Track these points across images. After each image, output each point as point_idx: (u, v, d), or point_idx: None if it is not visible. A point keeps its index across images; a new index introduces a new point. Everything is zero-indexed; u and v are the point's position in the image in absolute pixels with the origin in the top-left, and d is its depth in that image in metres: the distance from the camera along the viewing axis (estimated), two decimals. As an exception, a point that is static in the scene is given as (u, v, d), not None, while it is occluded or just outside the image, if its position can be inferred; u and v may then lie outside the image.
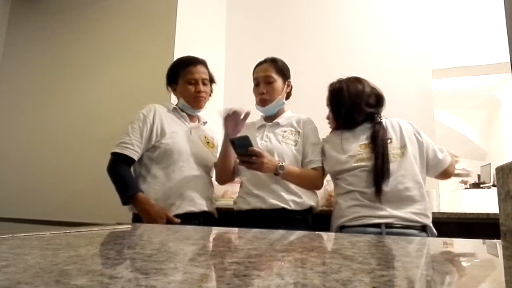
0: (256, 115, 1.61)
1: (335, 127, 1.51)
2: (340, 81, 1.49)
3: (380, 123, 1.43)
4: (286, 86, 1.56)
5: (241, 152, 1.32)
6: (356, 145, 1.40)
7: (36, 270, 0.32)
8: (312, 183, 1.46)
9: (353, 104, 1.42)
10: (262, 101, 1.52)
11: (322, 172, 1.47)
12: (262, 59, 1.61)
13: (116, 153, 1.43)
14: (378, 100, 1.46)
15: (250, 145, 1.30)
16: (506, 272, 0.40)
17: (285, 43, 2.84)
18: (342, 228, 1.33)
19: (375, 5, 2.73)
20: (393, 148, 1.37)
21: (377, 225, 1.24)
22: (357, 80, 1.48)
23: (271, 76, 1.51)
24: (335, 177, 1.45)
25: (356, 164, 1.36)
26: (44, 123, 2.60)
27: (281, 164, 1.36)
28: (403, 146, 1.38)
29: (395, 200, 1.29)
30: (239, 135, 1.39)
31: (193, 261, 0.39)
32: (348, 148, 1.41)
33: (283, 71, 1.55)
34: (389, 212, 1.26)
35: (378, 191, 1.29)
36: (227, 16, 3.04)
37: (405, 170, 1.33)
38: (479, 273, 0.40)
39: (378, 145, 1.35)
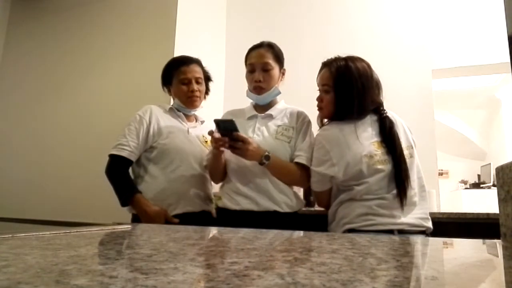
0: (241, 101, 1.54)
1: (334, 115, 1.32)
2: (343, 59, 1.30)
3: (388, 117, 1.29)
4: (281, 74, 1.48)
5: (225, 134, 1.26)
6: (369, 143, 1.24)
7: (36, 270, 0.32)
8: (296, 180, 1.37)
9: (364, 88, 1.25)
10: (258, 89, 1.42)
11: (308, 170, 1.34)
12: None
13: (114, 155, 1.43)
14: (380, 86, 1.32)
15: (236, 129, 1.25)
16: (506, 272, 0.40)
17: (285, 42, 2.82)
18: (350, 231, 1.22)
19: (376, 4, 2.73)
20: (403, 149, 1.26)
21: (390, 231, 1.19)
22: (360, 59, 1.32)
23: (269, 63, 1.41)
24: (349, 183, 1.25)
25: (376, 167, 1.21)
26: (43, 123, 2.59)
27: (267, 154, 1.28)
28: (410, 147, 1.30)
29: (406, 206, 1.22)
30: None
31: (193, 261, 0.39)
32: (363, 145, 1.23)
33: (280, 58, 1.47)
34: (401, 219, 1.20)
35: (403, 198, 1.19)
36: (227, 16, 3.04)
37: (413, 174, 1.26)
38: (479, 273, 0.40)
39: (397, 146, 1.23)
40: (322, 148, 1.28)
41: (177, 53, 2.14)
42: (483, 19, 2.50)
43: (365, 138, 1.25)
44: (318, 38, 2.79)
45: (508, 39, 0.63)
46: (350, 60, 1.29)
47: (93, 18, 2.62)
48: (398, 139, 1.25)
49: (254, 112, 1.48)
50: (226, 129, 1.25)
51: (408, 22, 2.63)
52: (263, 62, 1.41)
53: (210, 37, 2.75)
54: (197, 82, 1.56)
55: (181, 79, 1.54)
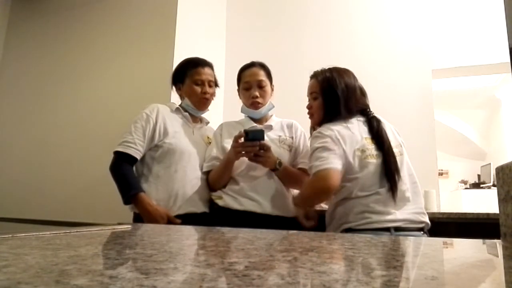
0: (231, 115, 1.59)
1: (324, 119, 1.38)
2: (329, 70, 1.41)
3: (375, 117, 1.36)
4: (271, 90, 1.60)
5: (250, 144, 1.33)
6: (361, 137, 1.30)
7: (36, 270, 0.32)
8: (300, 183, 1.46)
9: (348, 89, 1.35)
10: (255, 104, 1.53)
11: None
12: (262, 59, 1.62)
13: (119, 152, 1.43)
14: (364, 93, 1.42)
15: (263, 138, 1.33)
16: (506, 272, 0.40)
17: (285, 43, 2.84)
18: (348, 231, 1.23)
19: (376, 5, 2.73)
20: (392, 147, 1.31)
21: (387, 229, 1.20)
22: (345, 69, 1.42)
23: (263, 80, 1.54)
24: (345, 180, 1.26)
25: (366, 161, 1.25)
26: (44, 123, 2.59)
27: (279, 160, 1.40)
28: (399, 145, 1.35)
29: (400, 201, 1.24)
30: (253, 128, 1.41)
31: (193, 261, 0.39)
32: (356, 140, 1.28)
33: (270, 75, 1.59)
34: (396, 216, 1.21)
35: (395, 190, 1.22)
36: (227, 16, 3.04)
37: (404, 170, 1.30)
38: (479, 273, 0.40)
39: (385, 141, 1.29)
40: (323, 141, 1.26)
41: (177, 53, 2.15)
42: (483, 19, 2.50)
43: (357, 133, 1.30)
44: (318, 39, 2.78)
45: (510, 51, 0.63)
46: (335, 70, 1.40)
47: (93, 18, 2.62)
48: (386, 134, 1.32)
49: (254, 124, 1.57)
50: (255, 138, 1.32)
51: (408, 22, 2.63)
52: (258, 79, 1.53)
53: (210, 37, 2.75)
54: (210, 85, 1.60)
55: (196, 79, 1.57)
